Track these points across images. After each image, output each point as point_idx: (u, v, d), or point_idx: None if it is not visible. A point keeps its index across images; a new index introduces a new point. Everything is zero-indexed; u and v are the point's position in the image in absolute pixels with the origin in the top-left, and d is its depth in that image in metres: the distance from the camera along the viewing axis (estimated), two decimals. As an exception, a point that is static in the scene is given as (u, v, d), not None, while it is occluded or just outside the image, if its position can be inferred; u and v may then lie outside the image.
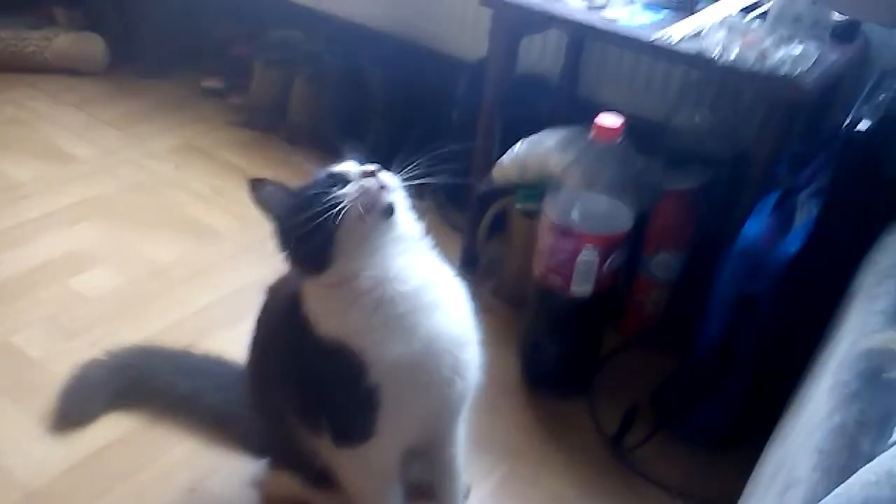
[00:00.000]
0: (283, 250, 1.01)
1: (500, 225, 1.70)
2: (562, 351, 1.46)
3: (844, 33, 1.40)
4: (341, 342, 0.97)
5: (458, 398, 1.06)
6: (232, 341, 1.50)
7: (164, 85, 2.43)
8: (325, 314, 0.99)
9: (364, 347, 0.96)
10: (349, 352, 0.96)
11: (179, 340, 1.48)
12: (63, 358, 1.41)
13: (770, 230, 1.28)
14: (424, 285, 0.99)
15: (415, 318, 0.97)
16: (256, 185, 1.01)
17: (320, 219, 0.93)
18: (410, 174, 1.02)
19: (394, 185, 0.98)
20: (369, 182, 0.96)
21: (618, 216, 1.36)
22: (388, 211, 0.97)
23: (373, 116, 2.05)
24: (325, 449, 1.07)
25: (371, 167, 0.99)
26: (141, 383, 1.35)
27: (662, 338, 1.57)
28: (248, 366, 1.17)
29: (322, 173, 1.01)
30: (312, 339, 0.99)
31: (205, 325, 1.55)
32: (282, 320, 1.07)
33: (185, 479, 1.26)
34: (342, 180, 0.97)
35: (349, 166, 1.01)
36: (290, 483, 1.17)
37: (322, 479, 1.12)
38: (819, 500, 0.61)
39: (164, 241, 1.77)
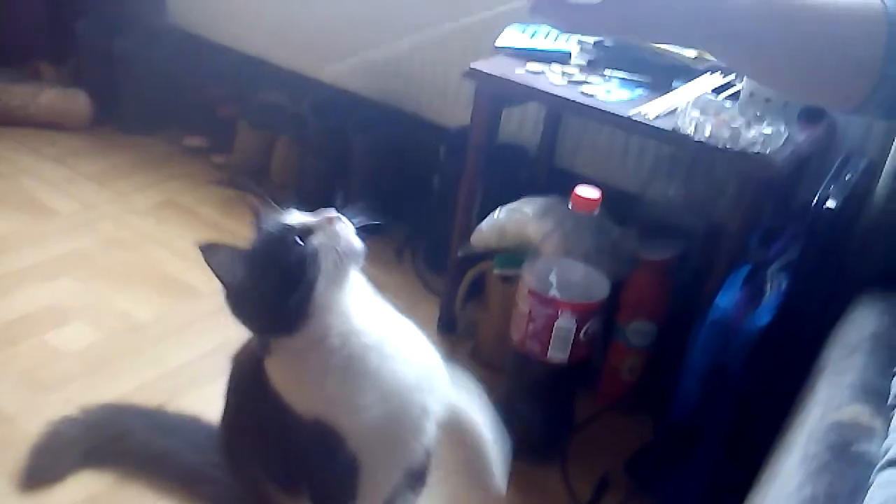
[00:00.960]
0: (244, 316, 0.97)
1: (478, 289, 1.73)
2: (538, 416, 1.47)
3: (811, 115, 1.46)
4: (317, 418, 0.95)
5: (430, 435, 1.04)
6: (208, 400, 1.49)
7: (147, 142, 2.45)
8: (297, 389, 0.97)
9: (340, 419, 0.95)
10: (326, 427, 0.95)
11: (155, 398, 1.48)
12: (37, 414, 1.39)
13: (741, 302, 1.32)
14: (385, 333, 0.98)
15: (384, 372, 0.96)
16: (209, 250, 0.97)
17: (293, 274, 0.91)
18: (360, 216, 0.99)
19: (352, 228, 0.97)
20: (340, 227, 0.95)
21: (594, 284, 1.39)
22: (362, 255, 0.96)
23: (354, 180, 2.09)
24: None
25: (331, 212, 0.97)
26: (114, 442, 1.33)
27: (637, 405, 1.60)
28: (221, 433, 1.17)
29: (273, 226, 0.97)
30: (285, 417, 0.97)
31: (181, 383, 1.54)
32: (250, 393, 1.06)
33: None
34: (304, 230, 0.95)
35: (299, 216, 0.99)
36: None
37: None
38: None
39: (143, 297, 1.78)
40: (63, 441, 1.33)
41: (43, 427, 1.33)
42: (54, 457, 1.31)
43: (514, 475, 1.15)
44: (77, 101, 2.45)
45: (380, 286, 1.90)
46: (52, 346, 1.59)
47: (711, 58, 1.57)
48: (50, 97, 2.43)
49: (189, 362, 1.60)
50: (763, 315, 1.29)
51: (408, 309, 1.84)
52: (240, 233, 2.04)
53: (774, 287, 1.36)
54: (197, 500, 1.29)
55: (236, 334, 1.68)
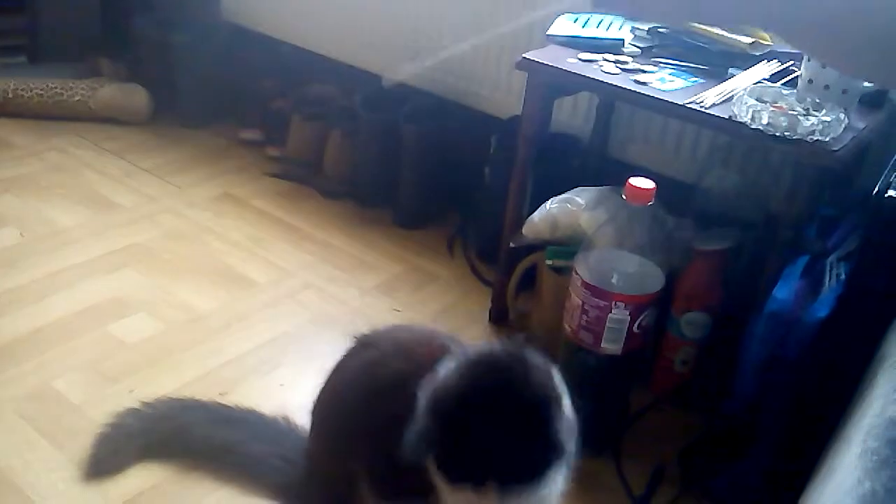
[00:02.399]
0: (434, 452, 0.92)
1: (530, 280, 1.73)
2: (591, 408, 1.46)
3: (872, 101, 1.43)
4: None
5: None
6: (265, 390, 1.54)
7: (204, 135, 2.50)
8: None
9: None
10: None
11: (215, 388, 1.52)
12: (102, 403, 1.44)
13: (800, 294, 1.30)
14: None
15: None
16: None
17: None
18: None
19: None
20: None
21: (648, 276, 1.38)
22: None
23: (406, 171, 2.10)
24: None
25: None
26: (176, 434, 1.37)
27: (691, 397, 1.58)
28: (316, 434, 1.18)
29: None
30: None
31: (240, 374, 1.58)
32: (378, 410, 1.04)
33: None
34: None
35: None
36: None
37: None
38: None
39: (202, 288, 1.82)
40: (126, 433, 1.37)
41: (107, 416, 1.38)
42: (117, 448, 1.36)
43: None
44: (135, 96, 2.51)
45: (432, 277, 1.93)
46: (115, 336, 1.64)
47: (769, 43, 1.54)
48: (109, 92, 2.49)
49: (248, 352, 1.64)
50: (822, 307, 1.26)
51: (459, 300, 1.87)
52: (292, 223, 2.08)
53: (834, 278, 1.33)
54: (257, 489, 1.32)
55: (292, 325, 1.73)
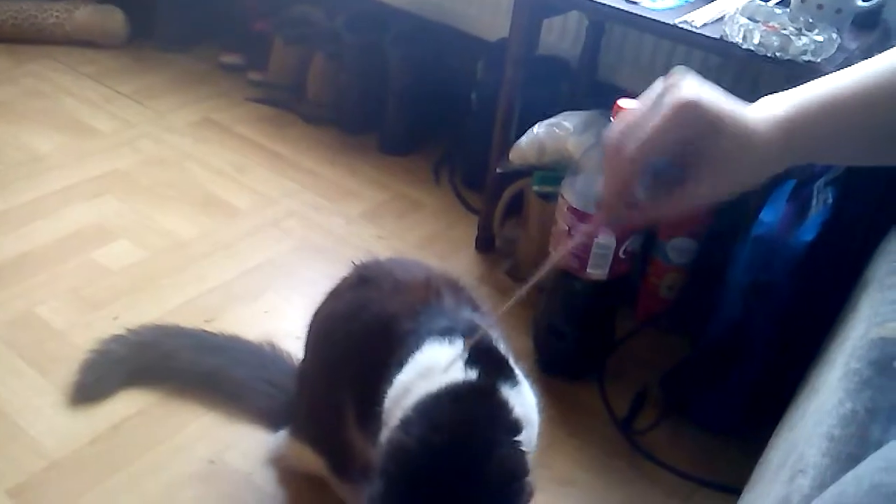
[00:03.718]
0: None
1: (516, 207, 1.71)
2: (576, 334, 1.47)
3: (866, 21, 1.39)
4: None
5: None
6: (250, 317, 1.54)
7: (183, 59, 2.44)
8: None
9: None
10: None
11: (199, 315, 1.51)
12: (86, 330, 1.44)
13: (786, 218, 1.29)
14: None
15: None
16: None
17: None
18: None
19: None
20: None
21: (635, 201, 1.37)
22: None
23: (391, 96, 2.06)
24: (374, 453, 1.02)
25: None
26: (162, 360, 1.37)
27: (675, 322, 1.59)
28: (310, 358, 1.18)
29: None
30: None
31: (224, 301, 1.57)
32: (366, 348, 1.03)
33: (204, 451, 1.29)
34: None
35: None
36: (312, 460, 1.18)
37: (348, 471, 1.13)
38: (828, 487, 0.62)
39: (185, 215, 1.80)
40: (111, 359, 1.37)
41: (91, 343, 1.38)
42: (103, 374, 1.36)
43: (552, 392, 1.17)
44: (113, 18, 2.43)
45: (417, 205, 1.92)
46: (99, 263, 1.62)
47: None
48: (85, 14, 2.41)
49: (232, 280, 1.63)
50: (808, 231, 1.26)
51: (445, 227, 1.86)
52: (275, 150, 2.05)
53: (820, 203, 1.32)
54: (243, 414, 1.33)
55: (276, 252, 1.72)
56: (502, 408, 0.87)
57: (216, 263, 1.67)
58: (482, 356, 0.91)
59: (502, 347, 0.97)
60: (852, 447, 0.73)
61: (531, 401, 0.95)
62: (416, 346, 0.95)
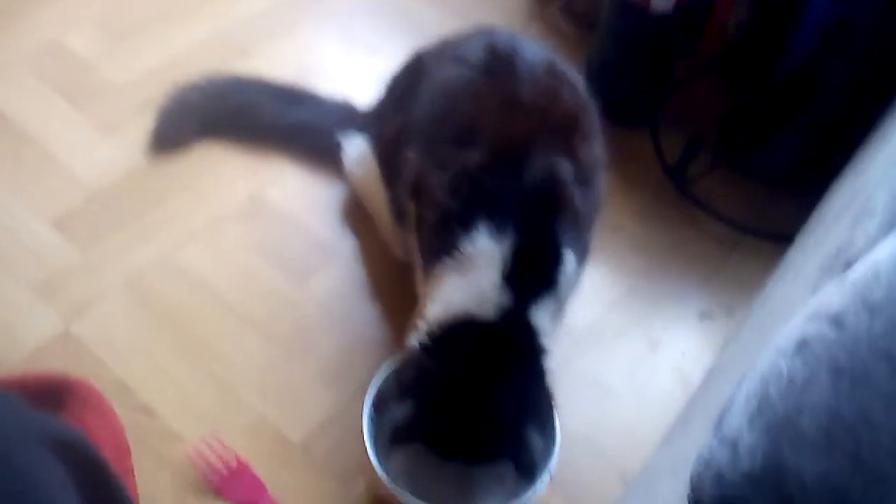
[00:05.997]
0: None
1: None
2: (633, 72, 1.37)
3: None
4: None
5: None
6: (282, 52, 1.46)
7: None
8: None
9: None
10: None
11: (230, 46, 1.44)
12: (114, 60, 1.39)
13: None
14: None
15: None
16: None
17: None
18: None
19: None
20: None
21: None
22: None
23: None
24: None
25: None
26: (243, 111, 1.30)
27: (740, 64, 1.47)
28: (383, 110, 1.14)
29: None
30: None
31: (256, 34, 1.48)
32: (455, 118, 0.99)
33: (245, 187, 1.27)
34: None
35: None
36: (378, 189, 1.14)
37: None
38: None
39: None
40: (188, 108, 1.30)
41: (121, 74, 1.33)
42: (180, 122, 1.30)
43: (605, 137, 1.10)
44: None
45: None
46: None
47: None
48: None
49: (262, 12, 1.52)
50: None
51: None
52: None
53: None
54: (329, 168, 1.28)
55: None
56: (532, 335, 0.89)
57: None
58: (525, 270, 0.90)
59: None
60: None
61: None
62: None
